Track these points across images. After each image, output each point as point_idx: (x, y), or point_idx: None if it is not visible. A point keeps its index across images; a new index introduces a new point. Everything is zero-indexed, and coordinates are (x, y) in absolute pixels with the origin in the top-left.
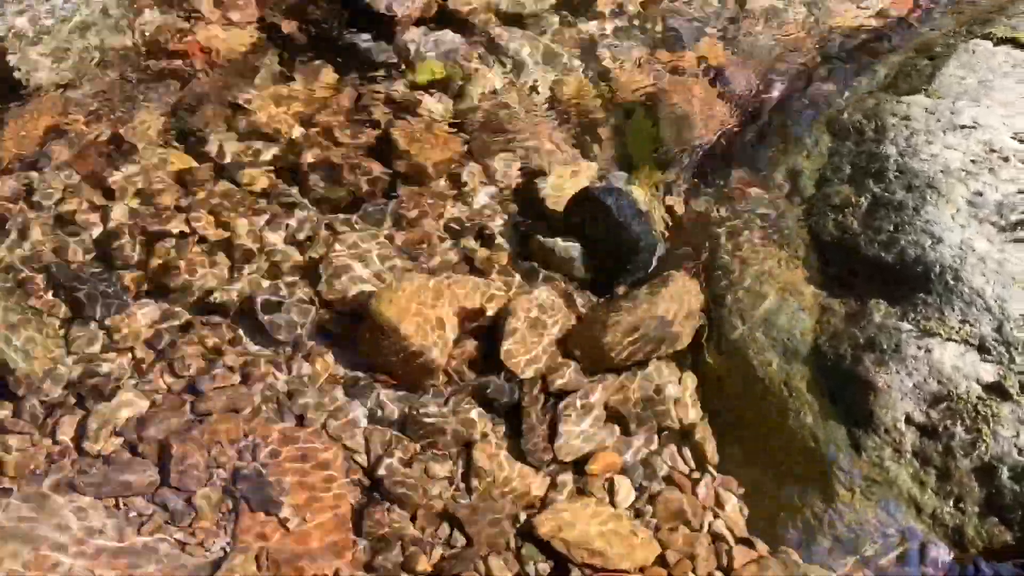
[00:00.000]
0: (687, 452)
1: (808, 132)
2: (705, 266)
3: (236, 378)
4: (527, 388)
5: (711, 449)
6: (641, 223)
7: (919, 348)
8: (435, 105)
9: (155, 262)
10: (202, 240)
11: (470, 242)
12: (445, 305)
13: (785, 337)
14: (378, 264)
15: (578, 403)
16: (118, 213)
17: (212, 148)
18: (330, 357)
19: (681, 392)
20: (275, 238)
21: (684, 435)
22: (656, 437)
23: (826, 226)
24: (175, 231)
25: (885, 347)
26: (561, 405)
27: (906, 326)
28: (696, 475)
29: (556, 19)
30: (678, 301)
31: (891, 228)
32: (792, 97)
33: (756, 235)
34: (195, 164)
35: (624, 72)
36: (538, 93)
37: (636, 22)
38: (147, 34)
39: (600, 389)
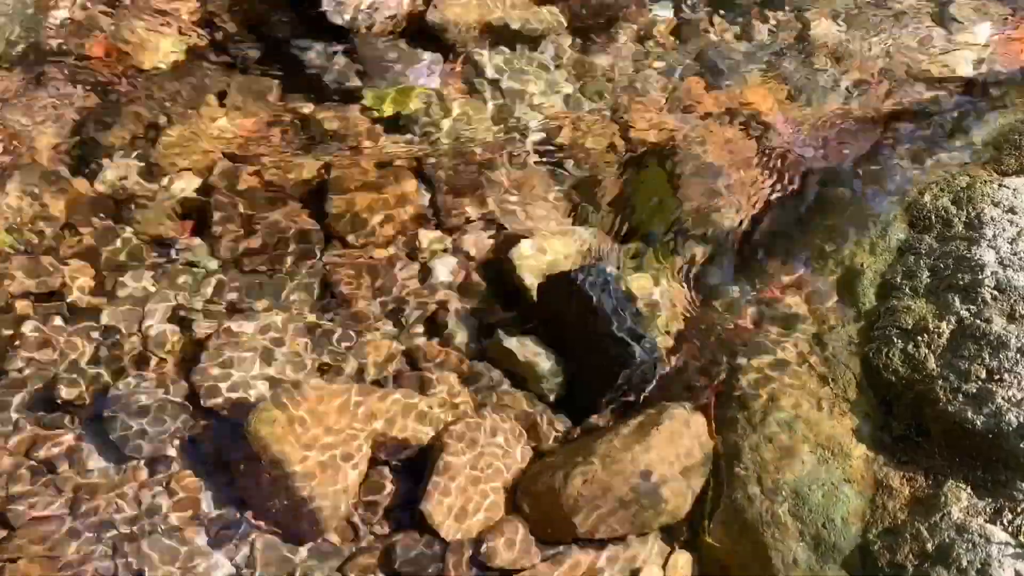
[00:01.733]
0: None
1: (875, 216)
2: (717, 395)
3: (62, 507)
4: (451, 558)
5: None
6: (636, 325)
7: (1018, 573)
8: (394, 145)
9: (3, 332)
10: (69, 305)
11: (414, 333)
12: (357, 429)
13: (821, 521)
14: (282, 358)
15: None
16: None
17: (111, 177)
18: (197, 487)
19: None
20: (159, 308)
21: None
22: None
23: (890, 358)
24: (40, 289)
25: (966, 564)
26: None
27: (1000, 534)
28: None
29: (564, 42)
30: (674, 449)
31: (983, 375)
32: (856, 164)
33: (791, 358)
34: (87, 196)
35: (642, 113)
36: (529, 135)
37: (663, 51)
38: (64, 31)
39: (553, 572)
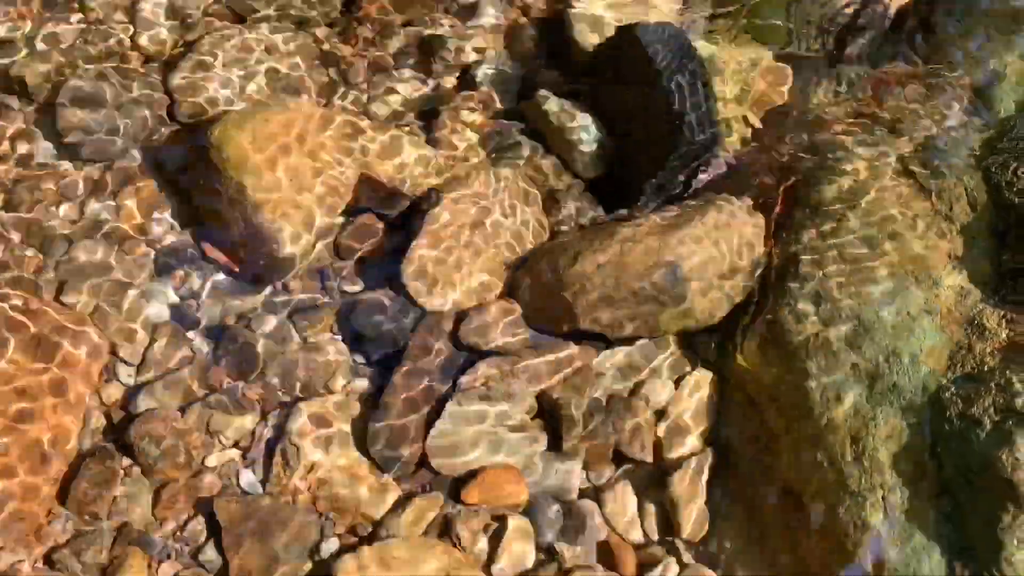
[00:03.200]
0: (651, 508)
1: None
2: (785, 197)
3: None
4: (426, 328)
5: (694, 513)
6: (702, 102)
7: None
8: None
9: None
10: None
11: (442, 76)
12: (341, 163)
13: (883, 356)
14: (278, 77)
15: (493, 375)
16: None
17: None
18: (152, 201)
19: (677, 402)
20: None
21: (658, 477)
22: (608, 468)
23: (1017, 175)
24: None
25: None
26: (464, 377)
27: None
28: (654, 552)
29: None
30: (714, 247)
31: None
32: None
33: (890, 160)
34: None
35: None
36: None
37: None
38: None
39: (539, 362)
